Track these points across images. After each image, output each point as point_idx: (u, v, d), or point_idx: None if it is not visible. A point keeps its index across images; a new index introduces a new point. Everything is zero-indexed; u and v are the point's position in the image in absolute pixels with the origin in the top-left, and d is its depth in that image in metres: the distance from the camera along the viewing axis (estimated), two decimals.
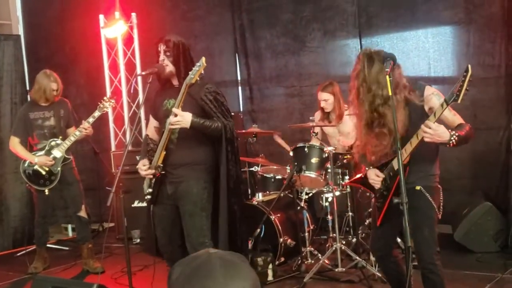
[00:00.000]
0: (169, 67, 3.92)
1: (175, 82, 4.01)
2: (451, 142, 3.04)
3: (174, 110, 3.76)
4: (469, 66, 2.90)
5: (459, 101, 2.93)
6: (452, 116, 3.25)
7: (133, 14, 7.73)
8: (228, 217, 4.00)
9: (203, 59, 3.75)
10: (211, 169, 4.00)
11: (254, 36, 7.45)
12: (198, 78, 3.77)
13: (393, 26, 6.60)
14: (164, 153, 3.91)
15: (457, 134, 3.05)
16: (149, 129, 4.26)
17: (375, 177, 3.53)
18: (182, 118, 3.77)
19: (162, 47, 3.94)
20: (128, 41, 7.85)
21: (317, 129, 5.66)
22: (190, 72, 3.75)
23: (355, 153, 3.73)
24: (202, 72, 3.76)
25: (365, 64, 3.29)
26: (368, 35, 6.76)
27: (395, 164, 3.34)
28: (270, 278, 5.03)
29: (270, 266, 5.06)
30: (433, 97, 3.28)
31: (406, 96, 3.29)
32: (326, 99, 5.62)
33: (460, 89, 2.90)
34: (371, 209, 4.37)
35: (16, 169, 5.81)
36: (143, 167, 3.96)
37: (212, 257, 1.48)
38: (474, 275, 4.82)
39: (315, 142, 5.56)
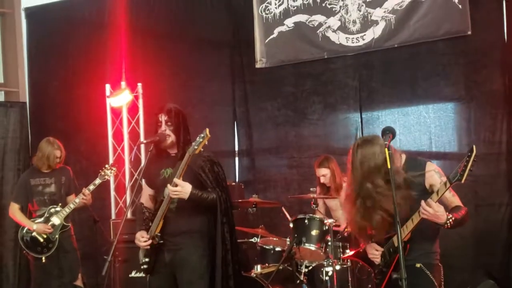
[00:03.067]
0: (171, 137, 3.97)
1: (172, 151, 4.04)
2: (446, 224, 3.07)
3: (176, 180, 3.78)
4: (474, 146, 2.93)
5: (462, 181, 2.95)
6: (451, 197, 3.26)
7: (139, 84, 7.87)
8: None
9: (207, 130, 3.80)
10: (209, 237, 3.98)
11: (255, 107, 7.55)
12: (202, 149, 3.81)
13: (395, 101, 6.68)
14: (162, 221, 3.89)
15: (453, 218, 3.08)
16: (144, 197, 4.26)
17: (374, 252, 3.49)
18: (182, 189, 3.79)
19: (163, 117, 3.99)
20: (132, 109, 7.95)
21: (318, 201, 5.66)
22: (193, 143, 3.80)
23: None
24: (206, 143, 3.79)
25: (359, 155, 3.31)
26: (369, 109, 6.83)
27: (395, 240, 3.31)
28: None
29: None
30: (434, 174, 3.30)
31: (405, 178, 3.29)
32: (324, 174, 5.69)
33: (464, 169, 2.92)
34: (370, 285, 4.29)
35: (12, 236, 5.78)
36: (142, 239, 3.93)
37: None
38: None
39: (318, 215, 5.53)
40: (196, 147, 3.78)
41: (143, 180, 4.21)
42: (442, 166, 3.42)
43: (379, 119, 6.73)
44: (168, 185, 3.79)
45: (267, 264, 5.70)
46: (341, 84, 6.98)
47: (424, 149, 6.39)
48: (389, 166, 3.10)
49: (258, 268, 5.60)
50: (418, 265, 3.32)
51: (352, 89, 6.90)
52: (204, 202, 3.89)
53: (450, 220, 3.05)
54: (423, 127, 6.51)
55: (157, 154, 4.08)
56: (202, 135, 3.79)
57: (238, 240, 5.95)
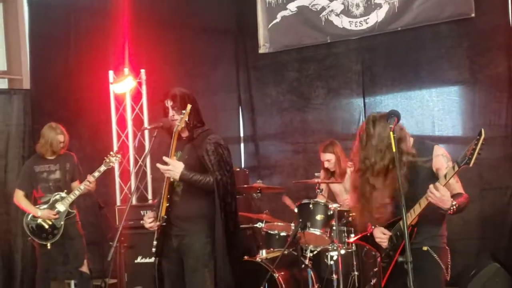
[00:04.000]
0: (182, 124, 3.94)
1: (184, 134, 4.03)
2: (449, 210, 3.08)
3: (165, 159, 3.80)
4: (483, 130, 2.91)
5: (470, 165, 2.93)
6: (455, 183, 3.27)
7: (142, 71, 7.85)
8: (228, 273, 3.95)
9: (188, 106, 3.85)
10: (212, 222, 3.94)
11: (259, 93, 7.54)
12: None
13: (397, 84, 6.68)
14: (167, 204, 3.90)
15: (456, 205, 3.09)
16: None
17: (382, 235, 3.49)
18: (173, 168, 3.79)
19: (169, 103, 3.98)
20: (136, 96, 7.94)
21: (322, 186, 5.66)
22: (176, 120, 3.83)
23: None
24: (186, 119, 3.83)
25: (368, 132, 3.31)
26: (372, 93, 6.83)
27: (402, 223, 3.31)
28: None
29: None
30: (442, 158, 3.30)
31: (411, 160, 3.28)
32: (328, 159, 5.68)
33: (473, 152, 2.90)
34: (376, 268, 4.30)
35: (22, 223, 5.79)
36: (148, 220, 3.94)
37: None
38: None
39: (320, 199, 5.54)
40: (178, 123, 3.82)
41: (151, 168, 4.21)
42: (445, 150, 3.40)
43: (382, 103, 6.72)
44: (158, 164, 3.80)
45: (272, 249, 5.72)
46: (344, 69, 6.98)
47: (426, 133, 6.39)
48: (393, 150, 3.09)
49: (263, 253, 5.62)
50: (425, 248, 3.32)
51: (355, 73, 6.89)
52: (198, 184, 3.84)
53: (454, 206, 3.07)
54: (426, 110, 6.51)
55: (170, 138, 4.05)
56: (184, 111, 3.83)
57: (243, 226, 6.01)
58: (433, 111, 6.47)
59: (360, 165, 3.39)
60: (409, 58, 6.60)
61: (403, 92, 6.67)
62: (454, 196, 3.17)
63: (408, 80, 6.61)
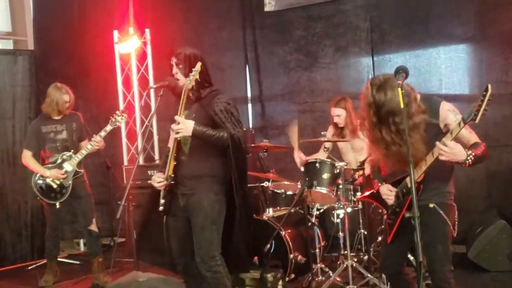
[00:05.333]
0: (182, 80, 3.92)
1: (190, 93, 4.01)
2: (467, 162, 3.02)
3: (176, 117, 3.78)
4: (489, 85, 2.85)
5: (477, 121, 2.89)
6: (468, 134, 3.20)
7: (147, 30, 7.80)
8: (238, 231, 3.98)
9: (199, 64, 3.79)
10: (223, 181, 3.95)
11: (266, 52, 7.47)
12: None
13: (406, 42, 6.59)
14: (174, 163, 3.90)
15: (473, 154, 3.02)
16: (170, 141, 4.24)
17: (388, 192, 3.49)
18: (184, 126, 3.77)
19: (174, 61, 3.96)
20: (142, 56, 7.90)
21: (328, 144, 5.64)
22: (187, 79, 3.79)
23: (368, 167, 3.70)
24: (198, 77, 3.79)
25: (375, 93, 3.24)
26: (380, 52, 6.75)
27: (408, 181, 3.30)
28: None
29: (280, 282, 5.01)
30: (449, 113, 3.25)
31: (423, 119, 3.24)
32: (339, 114, 5.60)
33: (479, 108, 2.86)
34: (383, 226, 4.32)
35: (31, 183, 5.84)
36: (157, 179, 3.96)
37: (141, 287, 1.46)
38: None
39: (322, 156, 5.53)
40: (189, 82, 3.78)
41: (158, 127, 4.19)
42: None
43: (391, 62, 6.65)
44: (172, 125, 3.79)
45: (278, 208, 5.76)
46: (352, 26, 6.88)
47: (434, 91, 6.32)
48: (402, 106, 3.04)
49: (270, 212, 5.66)
50: (431, 205, 3.32)
51: (364, 31, 6.80)
52: (212, 139, 3.81)
53: (471, 156, 3.01)
54: (434, 68, 6.44)
55: (176, 98, 4.00)
56: (194, 69, 3.79)
57: (250, 185, 6.03)
58: (441, 68, 6.41)
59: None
60: (417, 15, 6.49)
61: (412, 51, 6.59)
62: (471, 146, 3.12)
63: (417, 37, 6.51)
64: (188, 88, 3.81)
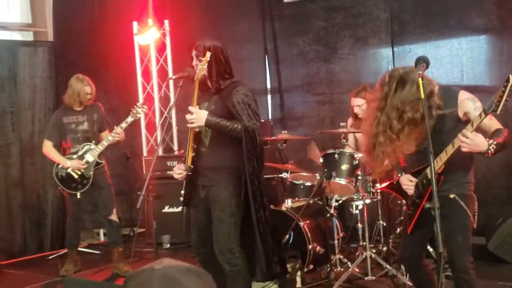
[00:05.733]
0: (202, 71, 3.93)
1: (209, 84, 4.02)
2: (489, 151, 2.99)
3: (190, 108, 3.80)
4: (510, 76, 2.82)
5: (498, 112, 2.87)
6: (489, 121, 3.15)
7: (166, 22, 7.82)
8: (255, 223, 3.95)
9: (208, 54, 3.81)
10: (241, 173, 3.93)
11: (285, 43, 7.45)
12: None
13: (426, 33, 6.53)
14: (193, 154, 3.92)
15: (495, 142, 2.99)
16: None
17: (408, 182, 3.48)
18: (197, 116, 3.79)
19: (194, 53, 3.98)
20: (161, 47, 7.93)
21: (348, 136, 5.62)
22: (197, 68, 3.83)
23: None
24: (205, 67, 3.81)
25: (394, 87, 3.21)
26: (400, 42, 6.70)
27: (428, 171, 3.29)
28: (298, 285, 5.00)
29: (299, 273, 5.02)
30: (468, 102, 3.22)
31: (439, 114, 3.22)
32: (359, 104, 5.55)
33: (500, 99, 2.83)
34: (402, 217, 4.31)
35: (51, 173, 5.89)
36: (177, 171, 3.98)
37: (154, 274, 1.47)
38: (509, 286, 4.72)
39: (347, 149, 5.52)
40: (198, 71, 3.80)
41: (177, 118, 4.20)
42: None
43: (411, 52, 6.59)
44: (186, 115, 3.81)
45: (297, 199, 5.76)
46: (372, 17, 6.84)
47: (455, 81, 6.26)
48: (422, 96, 3.02)
49: (288, 202, 5.67)
50: (452, 195, 3.30)
51: (384, 21, 6.75)
52: (225, 130, 3.81)
53: (493, 145, 2.98)
54: (455, 59, 6.38)
55: (198, 89, 4.01)
56: (203, 59, 3.81)
57: (268, 176, 6.04)
58: (462, 59, 6.34)
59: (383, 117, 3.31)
60: (437, 5, 6.43)
61: (432, 41, 6.53)
62: (493, 134, 3.10)
63: (437, 28, 6.45)
64: (198, 78, 3.82)
